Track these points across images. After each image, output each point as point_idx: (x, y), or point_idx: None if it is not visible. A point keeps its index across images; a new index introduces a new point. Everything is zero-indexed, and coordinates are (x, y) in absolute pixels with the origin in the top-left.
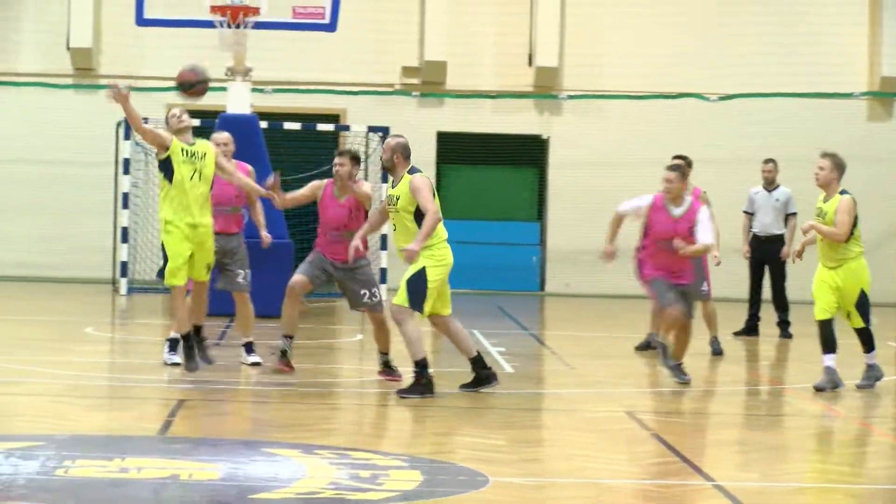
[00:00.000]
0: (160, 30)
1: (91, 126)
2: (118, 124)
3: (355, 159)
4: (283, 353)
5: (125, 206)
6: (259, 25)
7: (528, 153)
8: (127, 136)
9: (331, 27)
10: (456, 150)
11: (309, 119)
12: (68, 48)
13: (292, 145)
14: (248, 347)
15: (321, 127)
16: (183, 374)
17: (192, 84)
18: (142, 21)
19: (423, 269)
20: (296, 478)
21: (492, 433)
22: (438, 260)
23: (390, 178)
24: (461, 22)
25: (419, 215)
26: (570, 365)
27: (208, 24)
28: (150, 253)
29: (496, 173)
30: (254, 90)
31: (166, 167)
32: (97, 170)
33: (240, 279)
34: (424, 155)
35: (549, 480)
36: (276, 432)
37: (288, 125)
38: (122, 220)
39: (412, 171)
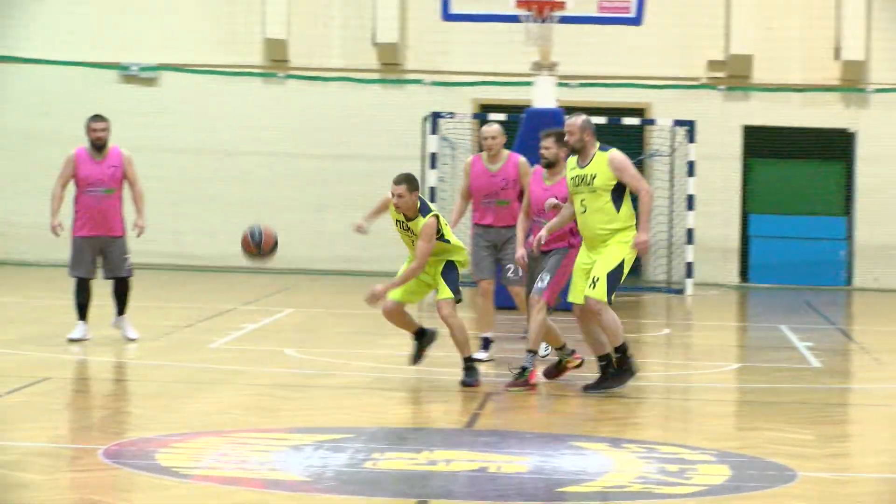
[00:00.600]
0: (466, 24)
1: (397, 121)
2: (424, 119)
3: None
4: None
5: (431, 200)
6: (565, 20)
7: (835, 147)
8: (433, 131)
9: (636, 21)
10: (762, 144)
11: (614, 113)
12: (374, 43)
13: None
14: (485, 342)
15: (626, 121)
16: (489, 368)
17: (255, 251)
18: (448, 16)
19: (623, 260)
20: (603, 471)
21: (799, 428)
22: (630, 244)
23: (560, 163)
24: (767, 15)
25: (618, 194)
26: (879, 360)
27: (514, 19)
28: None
29: (802, 167)
30: (559, 84)
31: None
32: (403, 164)
33: (510, 274)
34: (729, 148)
35: (857, 476)
36: (582, 426)
37: (594, 119)
38: None
39: (603, 147)
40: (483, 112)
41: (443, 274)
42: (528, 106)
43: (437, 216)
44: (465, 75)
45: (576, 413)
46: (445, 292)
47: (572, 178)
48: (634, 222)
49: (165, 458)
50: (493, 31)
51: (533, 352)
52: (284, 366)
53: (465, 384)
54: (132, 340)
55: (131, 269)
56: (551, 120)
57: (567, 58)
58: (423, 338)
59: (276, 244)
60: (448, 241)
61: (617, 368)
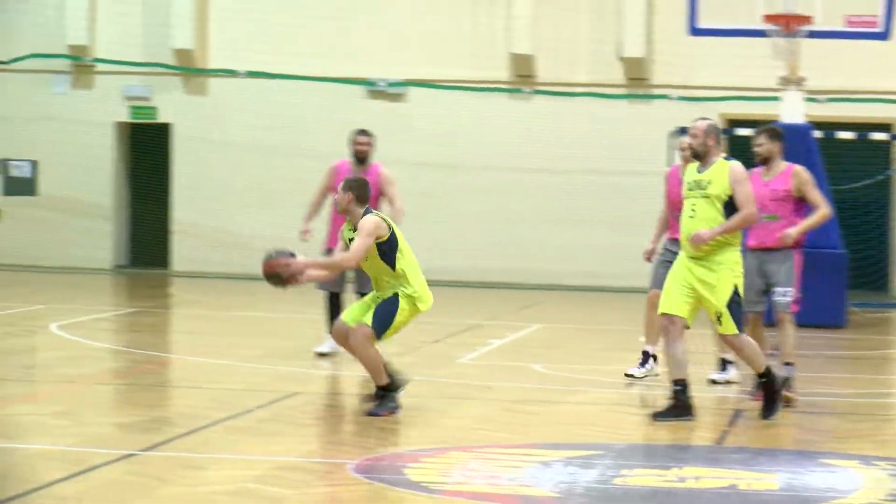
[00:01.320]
0: (712, 38)
1: (643, 136)
2: (670, 134)
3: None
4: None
5: None
6: (812, 34)
7: None
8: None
9: (883, 35)
10: None
11: (861, 128)
12: (621, 58)
13: (844, 155)
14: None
15: (874, 136)
16: (733, 386)
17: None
18: (695, 30)
19: (736, 288)
20: (854, 489)
21: None
22: (740, 270)
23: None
24: None
25: (730, 209)
26: None
27: (761, 34)
28: None
29: None
30: (807, 99)
31: None
32: (649, 180)
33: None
34: None
35: None
36: (831, 443)
37: (841, 134)
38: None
39: (729, 157)
40: (730, 127)
41: (382, 303)
42: (775, 121)
43: (384, 220)
44: (711, 90)
45: (825, 430)
46: (367, 318)
47: (688, 182)
48: (739, 242)
49: (415, 473)
50: (740, 44)
51: (790, 364)
52: (532, 381)
53: (370, 414)
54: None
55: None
56: (798, 135)
57: (814, 72)
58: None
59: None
60: (395, 267)
61: (767, 392)
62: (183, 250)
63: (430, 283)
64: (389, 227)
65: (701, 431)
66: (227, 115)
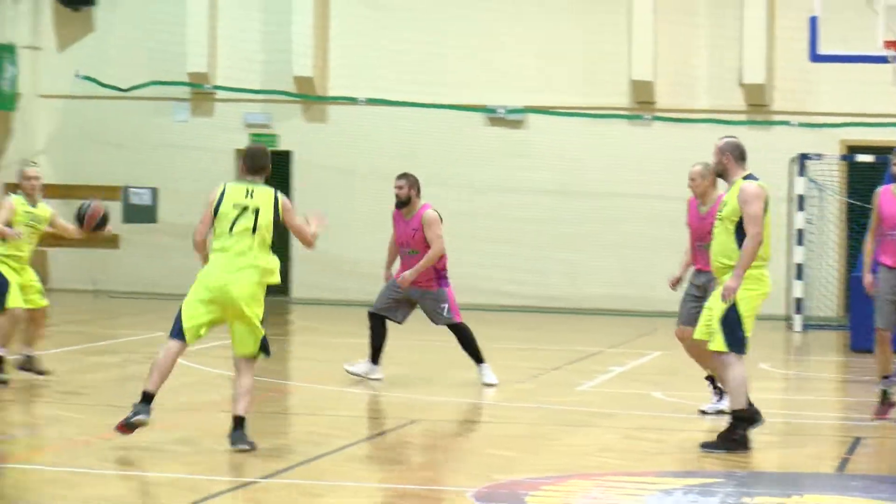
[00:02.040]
0: (833, 65)
1: (764, 162)
2: (792, 160)
3: None
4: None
5: (799, 242)
6: None
7: None
8: (801, 172)
9: None
10: None
11: None
12: (741, 84)
13: None
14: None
15: None
16: (861, 413)
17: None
18: (816, 57)
19: (735, 303)
20: None
21: None
22: (752, 287)
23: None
24: None
25: (741, 230)
26: None
27: (882, 59)
28: (823, 289)
29: None
30: None
31: None
32: (770, 206)
33: None
34: None
35: None
36: None
37: None
38: (797, 257)
39: (748, 177)
40: (850, 154)
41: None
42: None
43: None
44: (831, 116)
45: None
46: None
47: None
48: (763, 265)
49: (535, 501)
50: (861, 71)
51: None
52: (652, 409)
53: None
54: (490, 386)
55: (451, 317)
56: None
57: None
58: None
59: (101, 222)
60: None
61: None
62: (302, 277)
63: (552, 311)
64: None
65: (822, 458)
66: (346, 143)
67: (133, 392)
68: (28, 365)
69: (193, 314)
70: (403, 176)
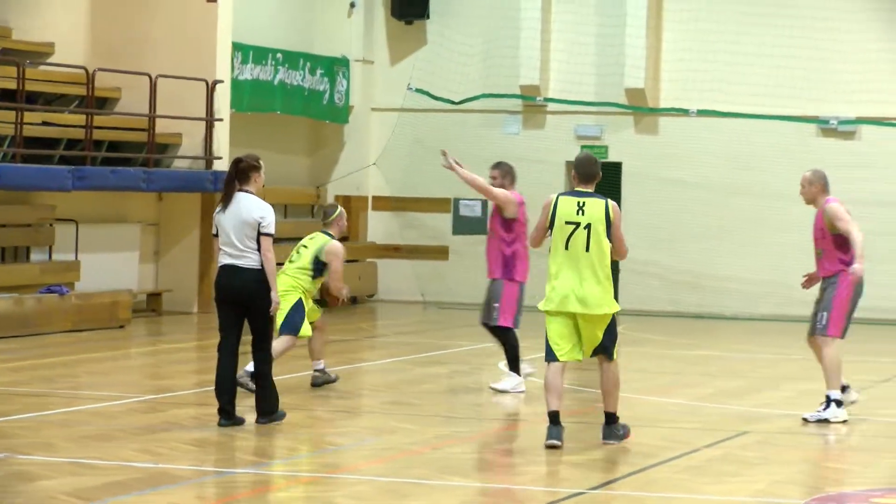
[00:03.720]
0: None
1: None
2: None
3: None
4: None
5: None
6: None
7: None
8: None
9: None
10: None
11: None
12: None
13: None
14: None
15: None
16: None
17: None
18: None
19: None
20: None
21: None
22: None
23: None
24: None
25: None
26: None
27: None
28: None
29: None
30: None
31: None
32: None
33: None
34: None
35: None
36: None
37: None
38: None
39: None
40: None
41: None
42: None
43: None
44: None
45: None
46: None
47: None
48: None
49: None
50: None
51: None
52: None
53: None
54: (496, 391)
55: (497, 319)
56: None
57: None
58: None
59: None
60: None
61: None
62: (631, 288)
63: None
64: None
65: None
66: (676, 154)
67: (462, 402)
68: (321, 379)
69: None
70: (497, 166)
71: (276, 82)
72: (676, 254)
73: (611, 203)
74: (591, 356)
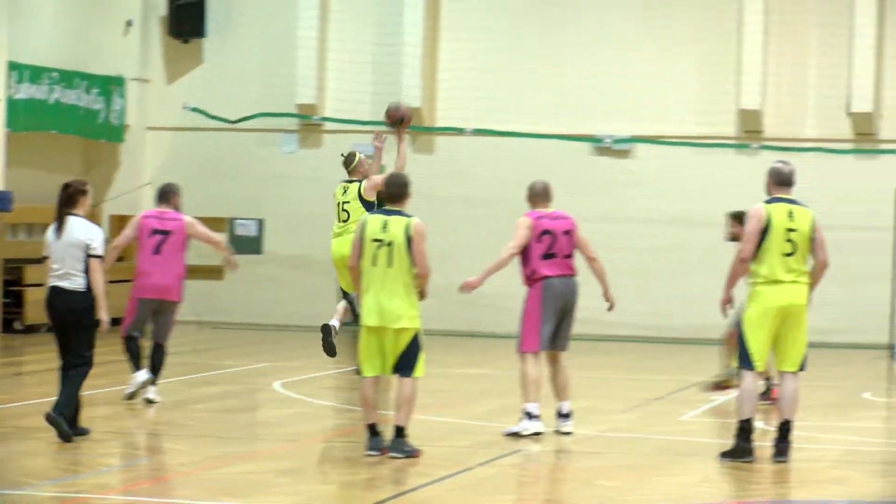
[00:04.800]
0: None
1: (869, 191)
2: None
3: None
4: None
5: None
6: None
7: None
8: None
9: None
10: None
11: None
12: (849, 113)
13: None
14: None
15: None
16: None
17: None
18: None
19: (740, 321)
20: None
21: None
22: (750, 304)
23: None
24: None
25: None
26: None
27: None
28: None
29: None
30: None
31: None
32: (876, 234)
33: None
34: None
35: None
36: None
37: None
38: None
39: (772, 200)
40: None
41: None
42: None
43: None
44: None
45: None
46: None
47: None
48: (762, 281)
49: None
50: None
51: None
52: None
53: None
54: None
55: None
56: None
57: None
58: None
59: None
60: None
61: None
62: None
63: (660, 341)
64: None
65: None
66: (452, 172)
67: (236, 423)
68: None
69: None
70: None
71: (51, 101)
72: (451, 272)
73: (414, 222)
74: (393, 372)
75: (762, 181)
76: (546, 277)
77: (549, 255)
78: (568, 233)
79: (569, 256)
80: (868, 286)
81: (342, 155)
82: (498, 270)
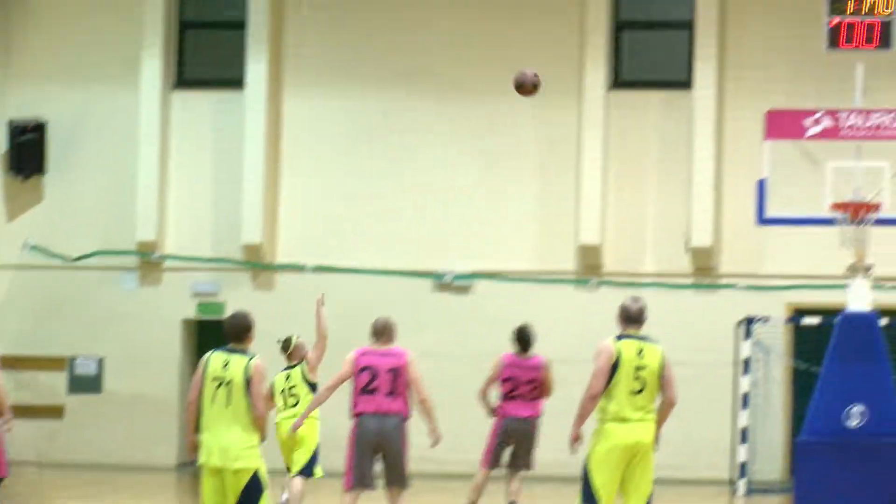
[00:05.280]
0: (779, 227)
1: (710, 326)
2: (738, 324)
3: None
4: None
5: (744, 406)
6: (880, 222)
7: None
8: (747, 336)
9: None
10: None
11: None
12: (688, 248)
13: None
14: None
15: None
16: None
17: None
18: (763, 220)
19: (586, 458)
20: None
21: None
22: (596, 441)
23: None
24: None
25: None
26: None
27: (828, 222)
28: (768, 453)
29: None
30: (874, 287)
31: None
32: (715, 370)
33: None
34: None
35: None
36: None
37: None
38: (741, 421)
39: (621, 336)
40: (797, 316)
41: None
42: (842, 309)
43: None
44: (778, 278)
45: None
46: None
47: None
48: (609, 419)
49: None
50: (808, 233)
51: None
52: None
53: None
54: None
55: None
56: (865, 323)
57: (882, 259)
58: None
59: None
60: None
61: None
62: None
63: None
64: None
65: None
66: (292, 311)
67: None
68: None
69: None
70: None
71: None
72: None
73: (254, 362)
74: None
75: (602, 316)
76: (361, 414)
77: (368, 391)
78: (393, 370)
79: (391, 394)
80: (708, 421)
81: (278, 341)
82: (316, 407)
